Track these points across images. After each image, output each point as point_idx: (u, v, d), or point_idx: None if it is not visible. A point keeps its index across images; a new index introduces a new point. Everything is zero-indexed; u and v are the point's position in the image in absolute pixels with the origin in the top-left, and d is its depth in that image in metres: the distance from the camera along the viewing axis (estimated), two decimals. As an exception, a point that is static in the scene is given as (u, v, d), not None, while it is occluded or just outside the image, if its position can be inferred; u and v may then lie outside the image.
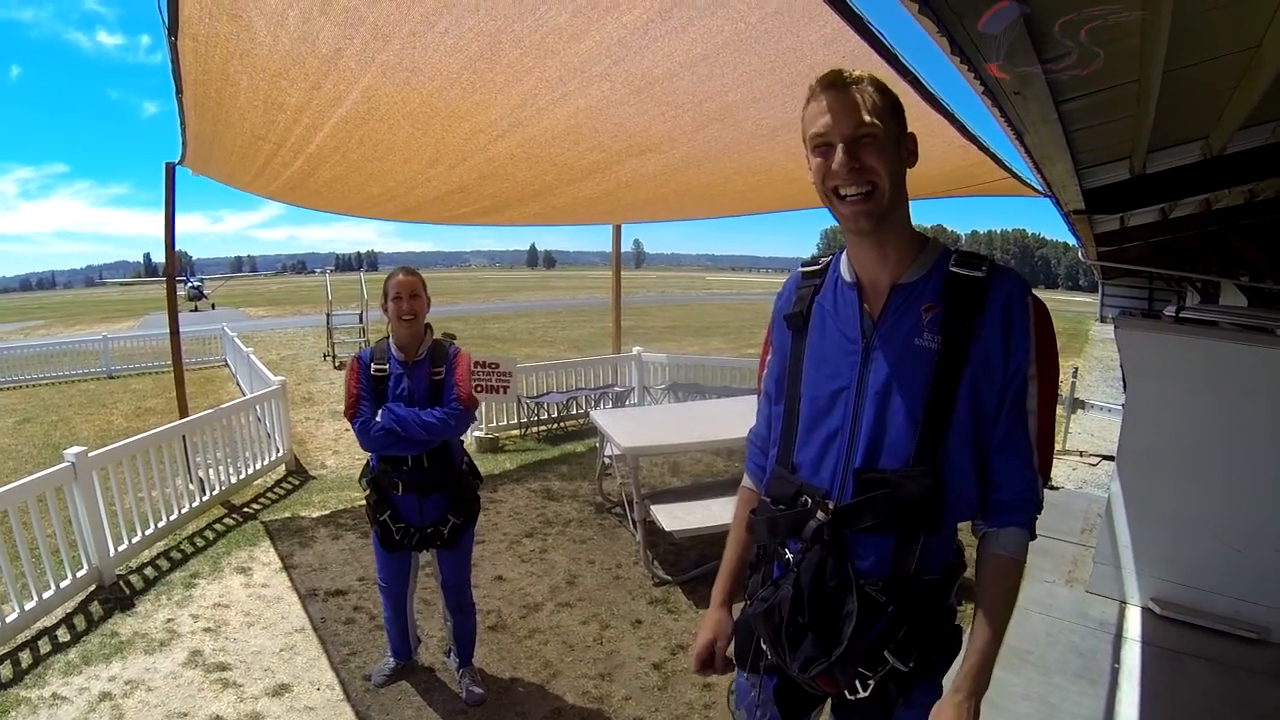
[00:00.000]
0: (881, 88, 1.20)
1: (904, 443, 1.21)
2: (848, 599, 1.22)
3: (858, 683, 1.26)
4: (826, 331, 1.32)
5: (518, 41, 1.96)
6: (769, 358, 1.47)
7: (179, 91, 2.87)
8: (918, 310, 1.22)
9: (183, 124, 3.51)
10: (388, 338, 2.77)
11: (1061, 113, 2.35)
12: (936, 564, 1.26)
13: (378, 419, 2.66)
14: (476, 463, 3.04)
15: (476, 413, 7.15)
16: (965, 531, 1.30)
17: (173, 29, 2.13)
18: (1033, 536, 1.26)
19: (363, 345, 2.42)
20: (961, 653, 1.28)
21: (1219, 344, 3.41)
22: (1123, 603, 3.71)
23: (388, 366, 2.71)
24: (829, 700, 1.38)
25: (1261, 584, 3.36)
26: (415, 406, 2.69)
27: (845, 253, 1.34)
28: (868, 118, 1.16)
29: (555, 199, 4.78)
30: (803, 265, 1.43)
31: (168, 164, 4.87)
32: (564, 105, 2.56)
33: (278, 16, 1.93)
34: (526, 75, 2.23)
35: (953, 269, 1.23)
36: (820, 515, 1.24)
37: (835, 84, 1.18)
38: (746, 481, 1.56)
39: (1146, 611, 3.61)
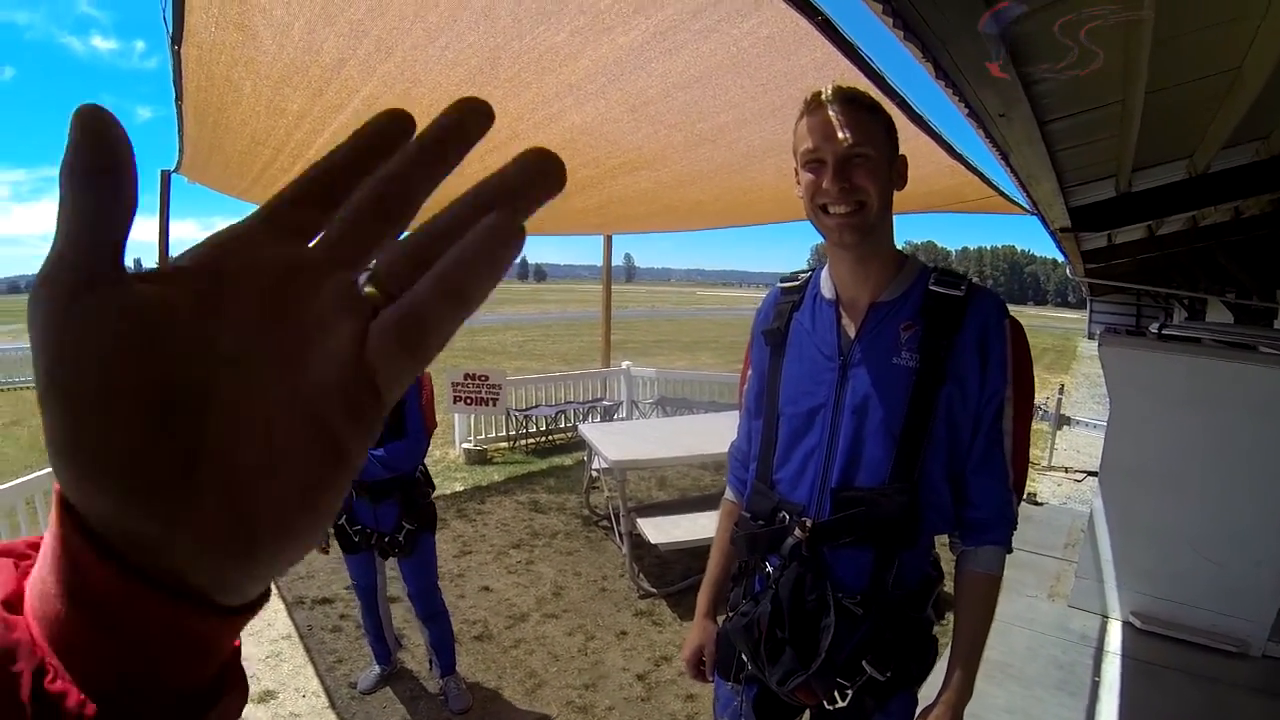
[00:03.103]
0: (875, 107, 1.20)
1: (881, 461, 1.22)
2: (826, 613, 1.23)
3: (836, 693, 1.27)
4: (804, 348, 1.32)
5: (516, 58, 2.00)
6: (748, 374, 1.48)
7: (179, 98, 2.89)
8: (895, 328, 1.23)
9: (181, 131, 3.52)
10: None
11: (1045, 133, 2.40)
12: (914, 577, 1.28)
13: None
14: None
15: (467, 422, 7.06)
16: (942, 544, 1.33)
17: (177, 38, 2.16)
18: (1009, 551, 1.29)
19: None
20: (940, 664, 1.30)
21: (1200, 360, 3.45)
22: (1104, 617, 3.74)
23: None
24: (807, 711, 1.40)
25: (1241, 598, 3.40)
26: None
27: (825, 269, 1.35)
28: (862, 137, 1.15)
29: (546, 209, 4.83)
30: (782, 281, 1.44)
31: (163, 171, 4.83)
32: (559, 121, 2.60)
33: (283, 27, 1.96)
34: (524, 90, 2.27)
35: (932, 287, 1.23)
36: (798, 532, 1.25)
37: (831, 100, 1.17)
38: (728, 494, 1.58)
39: (1127, 625, 3.64)
